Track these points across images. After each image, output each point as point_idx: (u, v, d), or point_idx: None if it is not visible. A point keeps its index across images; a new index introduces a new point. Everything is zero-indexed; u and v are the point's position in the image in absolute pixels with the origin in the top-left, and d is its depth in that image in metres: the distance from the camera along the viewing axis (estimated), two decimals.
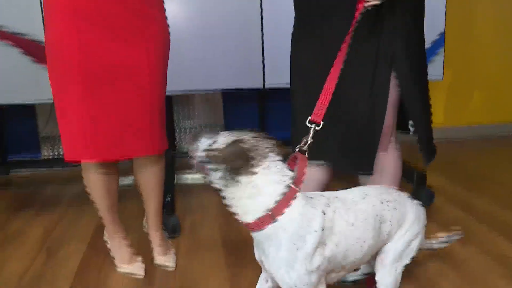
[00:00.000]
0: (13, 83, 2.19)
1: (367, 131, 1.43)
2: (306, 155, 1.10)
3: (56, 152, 2.89)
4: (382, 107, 1.40)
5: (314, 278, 1.05)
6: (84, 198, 2.41)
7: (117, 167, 1.65)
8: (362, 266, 1.46)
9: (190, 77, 2.31)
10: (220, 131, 1.06)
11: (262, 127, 3.03)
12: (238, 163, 0.98)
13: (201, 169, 1.06)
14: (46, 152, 2.88)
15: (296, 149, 1.11)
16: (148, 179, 1.66)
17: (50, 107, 2.79)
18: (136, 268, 1.65)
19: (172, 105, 2.86)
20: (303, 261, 1.03)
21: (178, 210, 2.23)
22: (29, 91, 2.20)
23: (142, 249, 1.80)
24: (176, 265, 1.71)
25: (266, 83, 2.34)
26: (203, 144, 1.04)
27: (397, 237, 1.23)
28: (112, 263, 1.72)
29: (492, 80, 3.37)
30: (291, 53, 1.54)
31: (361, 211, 1.14)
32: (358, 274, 1.50)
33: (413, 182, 2.20)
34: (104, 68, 1.40)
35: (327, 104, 1.16)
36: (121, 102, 1.44)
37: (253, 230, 1.03)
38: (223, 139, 1.02)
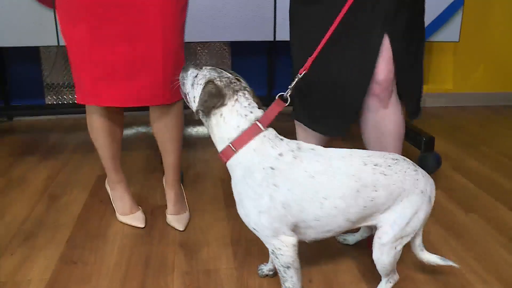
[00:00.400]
0: (16, 25, 2.13)
1: (350, 93, 1.40)
2: (287, 103, 1.14)
3: (60, 99, 2.86)
4: (371, 66, 1.35)
5: (264, 220, 1.06)
6: (87, 146, 2.41)
7: (122, 115, 1.61)
8: (361, 228, 1.46)
9: (199, 27, 2.23)
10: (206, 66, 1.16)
11: (270, 81, 2.97)
12: (211, 102, 1.07)
13: (187, 99, 1.17)
14: (50, 99, 2.85)
15: (278, 95, 1.14)
16: (164, 131, 1.59)
17: (55, 54, 2.74)
18: (135, 219, 1.65)
19: None
20: (251, 197, 1.05)
21: (183, 162, 2.20)
22: (33, 34, 2.15)
23: (143, 201, 1.80)
24: None
25: (277, 37, 2.27)
26: (190, 76, 1.14)
27: (395, 210, 1.13)
28: (113, 212, 1.73)
29: (504, 49, 3.25)
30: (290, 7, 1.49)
31: (331, 166, 1.08)
32: (358, 236, 1.50)
33: (420, 147, 2.16)
34: (115, 8, 1.34)
35: (313, 57, 1.20)
36: (132, 42, 1.39)
37: (223, 161, 1.10)
38: (204, 74, 1.11)
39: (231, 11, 2.21)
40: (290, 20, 1.50)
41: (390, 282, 1.26)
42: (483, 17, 3.13)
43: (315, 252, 1.50)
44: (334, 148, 1.15)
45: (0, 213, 1.72)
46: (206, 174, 2.11)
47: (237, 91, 1.09)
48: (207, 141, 2.57)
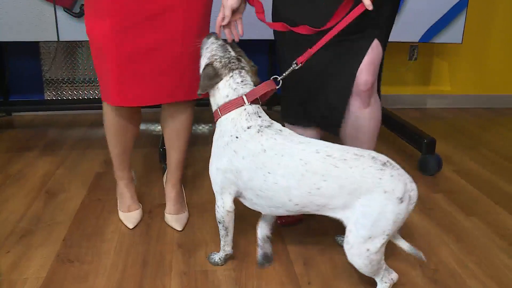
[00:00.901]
0: (16, 20, 2.11)
1: (336, 95, 1.46)
2: (278, 86, 1.29)
3: (59, 95, 2.84)
4: (353, 69, 1.41)
5: (218, 178, 1.26)
6: (86, 143, 2.40)
7: (140, 114, 1.61)
8: None
9: None
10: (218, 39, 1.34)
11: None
12: (209, 83, 1.26)
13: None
14: (49, 95, 2.83)
15: (272, 77, 1.29)
16: (174, 128, 1.59)
17: (54, 49, 2.72)
18: (128, 218, 1.63)
19: None
20: (216, 155, 1.26)
21: None
22: (33, 29, 2.13)
23: (140, 199, 1.78)
24: None
25: None
26: (209, 42, 1.33)
27: (354, 207, 1.12)
28: (111, 210, 1.72)
29: (505, 51, 3.23)
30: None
31: (283, 146, 1.16)
32: None
33: (421, 149, 2.15)
34: (138, 7, 1.34)
35: (313, 52, 1.28)
36: (152, 46, 1.39)
37: (214, 120, 1.29)
38: (210, 49, 1.30)
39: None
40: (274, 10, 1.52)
41: (386, 282, 1.23)
42: (485, 18, 3.11)
43: (314, 254, 1.49)
44: (301, 136, 1.22)
45: None
46: (205, 173, 2.08)
47: (233, 69, 1.26)
48: (207, 139, 2.57)
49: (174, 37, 1.40)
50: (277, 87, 1.29)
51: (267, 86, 1.26)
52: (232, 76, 1.26)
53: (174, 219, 1.62)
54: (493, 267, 1.45)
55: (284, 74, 1.31)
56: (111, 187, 1.89)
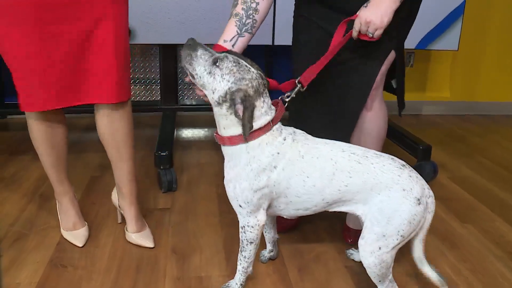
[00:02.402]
0: None
1: (350, 105, 1.46)
2: (285, 105, 1.24)
3: None
4: (372, 78, 1.42)
5: (255, 197, 1.18)
6: (81, 146, 2.39)
7: (63, 118, 1.49)
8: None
9: (196, 29, 2.21)
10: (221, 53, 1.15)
11: None
12: (251, 117, 1.12)
13: (192, 76, 1.16)
14: None
15: (280, 97, 1.24)
16: (116, 135, 1.47)
17: None
18: (76, 237, 1.54)
19: (176, 60, 2.77)
20: (251, 179, 1.16)
21: (176, 165, 2.19)
22: None
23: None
24: (170, 222, 1.69)
25: (276, 42, 2.25)
26: (201, 58, 1.14)
27: (373, 203, 1.15)
28: (105, 215, 1.71)
29: (502, 58, 3.24)
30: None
31: (316, 149, 1.18)
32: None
33: (417, 156, 2.15)
34: (57, 4, 1.27)
35: (316, 73, 1.25)
36: (72, 44, 1.31)
37: (223, 144, 1.19)
38: (230, 68, 1.11)
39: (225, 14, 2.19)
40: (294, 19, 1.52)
41: None
42: (481, 25, 3.12)
43: (309, 261, 1.49)
44: (318, 138, 1.24)
45: None
46: (200, 179, 2.09)
47: (262, 93, 1.15)
48: (202, 145, 2.57)
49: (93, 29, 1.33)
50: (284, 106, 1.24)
51: (283, 111, 1.22)
52: (264, 101, 1.15)
53: (141, 237, 1.55)
54: (488, 274, 1.45)
55: (290, 95, 1.24)
56: (106, 191, 1.88)
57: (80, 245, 1.52)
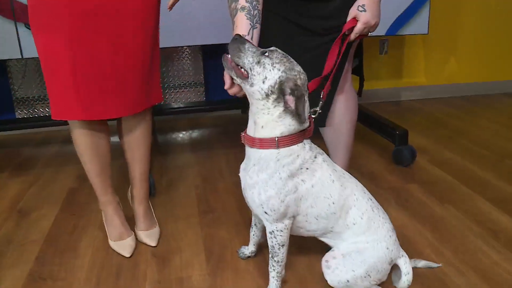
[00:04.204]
0: None
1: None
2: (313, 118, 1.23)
3: (31, 113, 2.80)
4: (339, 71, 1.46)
5: (282, 207, 1.16)
6: (60, 160, 2.36)
7: (108, 127, 1.52)
8: None
9: (172, 31, 2.20)
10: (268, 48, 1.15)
11: None
12: (300, 96, 1.09)
13: (236, 69, 1.14)
14: (20, 114, 2.78)
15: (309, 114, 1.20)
16: (136, 138, 1.53)
17: (24, 67, 2.67)
18: (122, 247, 1.53)
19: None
20: (279, 187, 1.14)
21: (155, 170, 2.18)
22: None
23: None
24: None
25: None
26: (249, 50, 1.12)
27: (356, 243, 1.22)
28: (85, 226, 1.69)
29: (476, 39, 3.28)
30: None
31: (344, 179, 1.22)
32: None
33: (395, 141, 2.16)
34: (93, 9, 1.29)
35: (329, 86, 1.30)
36: (115, 50, 1.34)
37: (252, 146, 1.16)
38: (280, 58, 1.10)
39: (202, 15, 2.19)
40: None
41: None
42: (452, 8, 3.14)
43: (291, 255, 1.47)
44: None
45: None
46: (179, 181, 2.08)
47: (306, 91, 1.13)
48: (180, 148, 2.56)
49: (134, 35, 1.36)
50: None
51: (313, 124, 1.21)
52: (306, 100, 1.13)
53: (146, 236, 1.57)
54: (469, 253, 1.45)
55: (318, 111, 1.23)
56: (85, 202, 1.86)
57: (128, 255, 1.50)
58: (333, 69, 1.30)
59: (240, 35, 1.16)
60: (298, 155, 1.15)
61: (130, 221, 1.62)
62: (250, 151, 1.19)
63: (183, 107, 2.68)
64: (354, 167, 2.13)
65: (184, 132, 2.79)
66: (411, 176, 2.05)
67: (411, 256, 1.41)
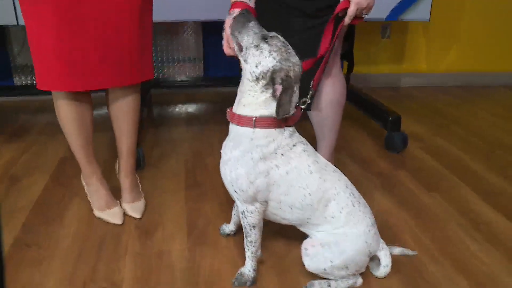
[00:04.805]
0: None
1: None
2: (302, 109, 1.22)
3: (29, 80, 2.80)
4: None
5: (251, 190, 1.16)
6: (54, 128, 2.38)
7: (91, 99, 1.52)
8: None
9: (172, 6, 2.18)
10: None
11: None
12: (286, 88, 1.09)
13: (239, 47, 1.14)
14: (18, 80, 2.79)
15: (298, 104, 1.19)
16: (123, 111, 1.54)
17: (23, 34, 2.67)
18: (112, 216, 1.56)
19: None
20: (249, 168, 1.14)
21: (147, 142, 2.20)
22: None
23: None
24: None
25: None
26: (252, 30, 1.12)
27: (334, 234, 1.22)
28: (72, 195, 1.71)
29: (478, 30, 3.22)
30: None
31: (325, 172, 1.21)
32: None
33: (387, 127, 2.15)
34: None
35: (321, 76, 1.33)
36: (101, 24, 1.34)
37: (232, 121, 1.18)
38: (278, 47, 1.10)
39: None
40: None
41: None
42: None
43: (268, 236, 1.49)
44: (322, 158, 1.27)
45: None
46: (170, 155, 2.09)
47: (297, 83, 1.12)
48: (175, 122, 2.57)
49: (120, 10, 1.36)
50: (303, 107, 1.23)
51: (300, 115, 1.20)
52: (295, 92, 1.11)
53: (131, 208, 1.59)
54: (449, 243, 1.47)
55: (307, 101, 1.22)
56: (74, 173, 1.88)
57: (120, 222, 1.54)
58: (328, 52, 1.29)
59: (247, 11, 1.14)
60: (274, 139, 1.14)
61: (115, 193, 1.65)
62: (231, 126, 1.20)
63: (181, 81, 2.67)
64: (346, 151, 2.14)
65: (180, 106, 2.79)
66: (401, 162, 2.05)
67: (390, 242, 1.43)
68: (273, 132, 1.14)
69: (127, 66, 1.43)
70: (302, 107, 1.21)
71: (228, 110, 1.20)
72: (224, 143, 1.24)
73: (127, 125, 1.57)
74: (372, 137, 2.30)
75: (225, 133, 1.24)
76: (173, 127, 2.45)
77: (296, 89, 1.12)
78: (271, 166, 1.15)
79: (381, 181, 1.87)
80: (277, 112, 1.09)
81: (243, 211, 1.22)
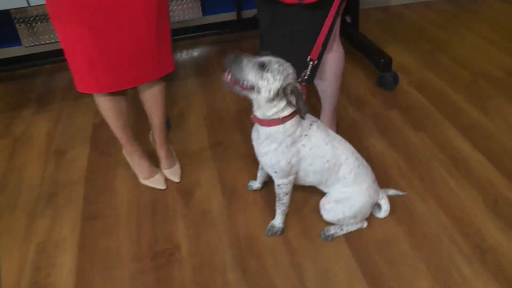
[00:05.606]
0: None
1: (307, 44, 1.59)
2: (304, 83, 1.45)
3: (35, 41, 2.90)
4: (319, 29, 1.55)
5: (288, 167, 1.48)
6: (73, 92, 2.55)
7: (124, 91, 1.72)
8: None
9: None
10: (261, 57, 1.35)
11: (238, 2, 3.02)
12: (298, 96, 1.33)
13: (239, 86, 1.35)
14: (26, 42, 2.89)
15: (299, 79, 1.43)
16: (152, 98, 1.77)
17: None
18: (156, 182, 1.87)
19: None
20: (285, 153, 1.44)
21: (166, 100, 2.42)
22: None
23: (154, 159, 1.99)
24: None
25: None
26: (248, 66, 1.32)
27: (345, 191, 1.55)
28: (116, 165, 2.01)
29: None
30: None
31: (336, 141, 1.52)
32: None
33: (379, 67, 2.38)
34: (97, 3, 1.43)
35: (320, 46, 1.47)
36: (119, 35, 1.51)
37: (262, 125, 1.43)
38: (278, 69, 1.32)
39: None
40: None
41: None
42: None
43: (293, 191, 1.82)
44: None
45: (18, 177, 1.99)
46: (189, 111, 2.34)
47: (295, 80, 1.37)
48: (184, 72, 2.74)
49: (137, 19, 1.50)
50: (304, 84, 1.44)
51: (304, 90, 1.42)
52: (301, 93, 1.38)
53: (170, 173, 1.90)
54: (433, 181, 1.80)
55: (307, 73, 1.45)
56: (110, 138, 2.14)
57: (164, 187, 1.86)
58: (328, 31, 1.47)
59: (235, 54, 1.32)
60: (298, 123, 1.43)
61: (152, 158, 1.95)
62: (260, 128, 1.45)
63: (183, 35, 2.77)
64: (343, 91, 2.38)
65: (185, 53, 2.94)
66: (392, 100, 2.32)
67: (385, 184, 1.78)
68: (295, 119, 1.42)
69: (150, 63, 1.62)
70: (304, 83, 1.44)
71: (252, 117, 1.44)
72: (254, 137, 1.50)
73: (156, 108, 1.81)
74: (366, 76, 2.54)
75: None
76: (184, 79, 2.64)
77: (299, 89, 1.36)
78: (299, 146, 1.46)
79: (375, 122, 2.15)
80: (301, 116, 1.34)
81: (279, 184, 1.54)
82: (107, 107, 1.71)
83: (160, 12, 1.57)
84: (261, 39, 1.73)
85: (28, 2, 2.13)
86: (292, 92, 1.33)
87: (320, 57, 1.67)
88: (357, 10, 2.59)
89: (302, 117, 1.35)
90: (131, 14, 1.49)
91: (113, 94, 1.68)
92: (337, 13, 1.61)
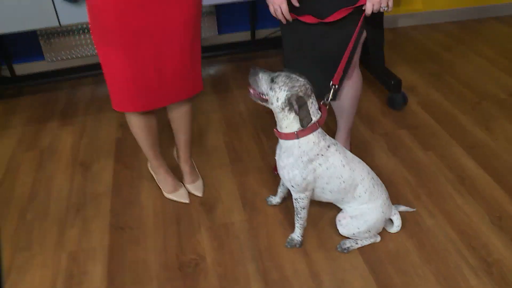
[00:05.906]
0: (14, 10, 2.22)
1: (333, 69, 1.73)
2: (327, 107, 1.58)
3: (57, 56, 3.02)
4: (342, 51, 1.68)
5: (304, 183, 1.59)
6: (97, 105, 2.68)
7: (154, 110, 1.83)
8: None
9: None
10: (277, 72, 1.51)
11: (253, 20, 3.15)
12: (307, 115, 1.48)
13: (260, 96, 1.54)
14: (49, 57, 3.02)
15: (321, 102, 1.57)
16: (180, 116, 1.87)
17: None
18: (180, 196, 1.98)
19: None
20: (301, 169, 1.55)
21: None
22: (32, 18, 2.26)
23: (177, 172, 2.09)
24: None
25: None
26: (263, 79, 1.51)
27: (360, 208, 1.66)
28: (140, 178, 2.12)
29: None
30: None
31: (353, 163, 1.62)
32: None
33: (389, 88, 2.50)
34: (141, 30, 1.53)
35: (341, 72, 1.62)
36: (158, 58, 1.61)
37: (281, 138, 1.56)
38: (284, 81, 1.47)
39: None
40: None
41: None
42: None
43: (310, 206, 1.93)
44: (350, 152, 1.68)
45: (47, 189, 2.09)
46: (207, 128, 2.46)
47: (309, 96, 1.49)
48: (204, 91, 2.85)
49: (175, 31, 1.60)
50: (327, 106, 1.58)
51: (326, 112, 1.56)
52: (312, 102, 1.50)
53: (193, 188, 2.01)
54: (441, 197, 1.92)
55: (329, 97, 1.58)
56: (132, 152, 2.26)
57: (187, 201, 1.96)
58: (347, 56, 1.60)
59: (255, 67, 1.52)
60: (313, 142, 1.53)
61: (174, 170, 2.05)
62: (281, 141, 1.59)
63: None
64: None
65: (203, 70, 3.05)
66: (402, 119, 2.44)
67: (396, 200, 1.89)
68: (312, 137, 1.53)
69: (182, 83, 1.73)
70: (326, 105, 1.56)
71: (275, 130, 1.57)
72: (278, 151, 1.63)
73: (183, 125, 1.92)
74: (376, 95, 2.67)
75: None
76: (202, 96, 2.76)
77: (311, 100, 1.49)
78: (316, 165, 1.56)
79: (386, 141, 2.27)
80: (301, 124, 1.48)
81: (296, 198, 1.65)
82: (138, 125, 1.82)
83: (194, 34, 1.67)
84: (286, 61, 1.86)
85: (59, 22, 2.25)
86: (296, 102, 1.46)
87: (341, 81, 1.79)
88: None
89: (303, 126, 1.48)
90: (171, 38, 1.60)
91: (144, 112, 1.79)
92: (358, 37, 1.70)
